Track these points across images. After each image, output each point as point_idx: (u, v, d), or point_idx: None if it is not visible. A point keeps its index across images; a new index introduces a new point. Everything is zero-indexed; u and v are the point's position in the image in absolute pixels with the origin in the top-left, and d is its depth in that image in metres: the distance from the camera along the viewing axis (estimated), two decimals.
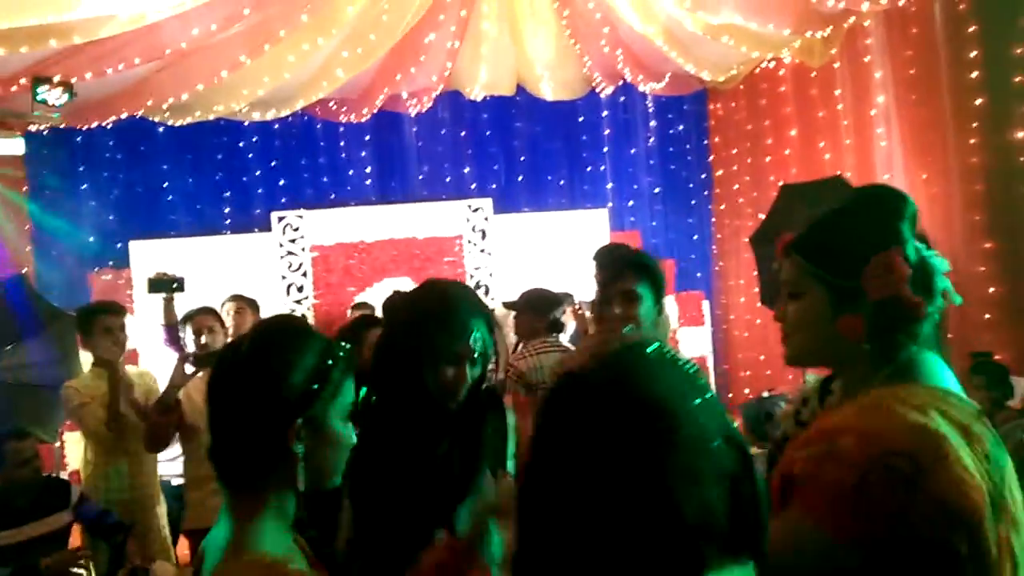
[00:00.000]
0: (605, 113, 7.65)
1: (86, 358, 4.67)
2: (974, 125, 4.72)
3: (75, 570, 3.07)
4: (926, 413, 1.14)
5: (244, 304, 4.38)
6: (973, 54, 4.72)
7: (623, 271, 1.90)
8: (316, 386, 1.19)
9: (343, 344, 1.28)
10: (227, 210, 6.98)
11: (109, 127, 6.33)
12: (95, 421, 3.56)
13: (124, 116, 6.11)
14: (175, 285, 4.34)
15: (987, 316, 4.64)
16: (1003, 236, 4.62)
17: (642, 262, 1.95)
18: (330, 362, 1.21)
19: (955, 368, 1.45)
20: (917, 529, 1.04)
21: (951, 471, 1.07)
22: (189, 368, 3.48)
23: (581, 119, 7.65)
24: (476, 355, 1.67)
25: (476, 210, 7.05)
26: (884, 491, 1.04)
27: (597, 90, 7.26)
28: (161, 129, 6.59)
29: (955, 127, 4.82)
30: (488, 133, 7.52)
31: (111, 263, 6.51)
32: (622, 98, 7.59)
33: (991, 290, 4.62)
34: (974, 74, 4.71)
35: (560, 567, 0.76)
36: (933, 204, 5.04)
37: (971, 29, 4.72)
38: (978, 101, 4.70)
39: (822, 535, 1.03)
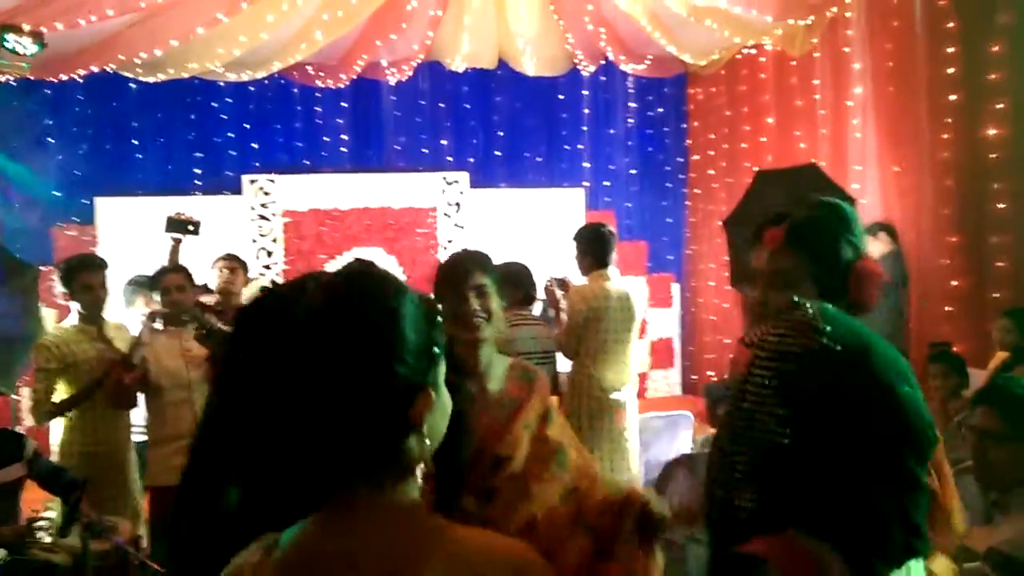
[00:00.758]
0: (586, 92, 7.64)
1: (47, 313, 4.59)
2: (948, 120, 4.79)
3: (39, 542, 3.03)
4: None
5: (237, 264, 4.35)
6: (950, 50, 4.77)
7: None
8: (436, 346, 0.94)
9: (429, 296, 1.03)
10: (197, 171, 6.85)
11: (80, 81, 6.17)
12: (44, 396, 3.43)
13: (95, 70, 5.96)
14: (191, 227, 4.29)
15: (948, 308, 4.73)
16: (969, 231, 4.70)
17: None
18: (440, 318, 0.97)
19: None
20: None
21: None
22: (158, 326, 3.44)
23: (561, 97, 7.64)
24: None
25: (452, 183, 7.01)
26: None
27: (579, 68, 7.24)
28: (133, 85, 6.44)
29: (929, 122, 4.89)
30: (468, 106, 7.47)
31: (75, 219, 6.38)
32: (603, 78, 7.57)
33: (953, 283, 4.71)
34: (950, 70, 4.77)
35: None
36: (903, 197, 5.12)
37: (950, 25, 4.77)
38: (953, 97, 4.76)
39: None
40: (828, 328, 0.98)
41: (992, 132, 4.61)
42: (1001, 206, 4.56)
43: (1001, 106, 4.57)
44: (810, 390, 0.95)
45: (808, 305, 1.03)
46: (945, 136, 4.80)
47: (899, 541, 0.92)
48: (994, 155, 4.60)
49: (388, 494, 0.91)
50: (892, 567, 0.93)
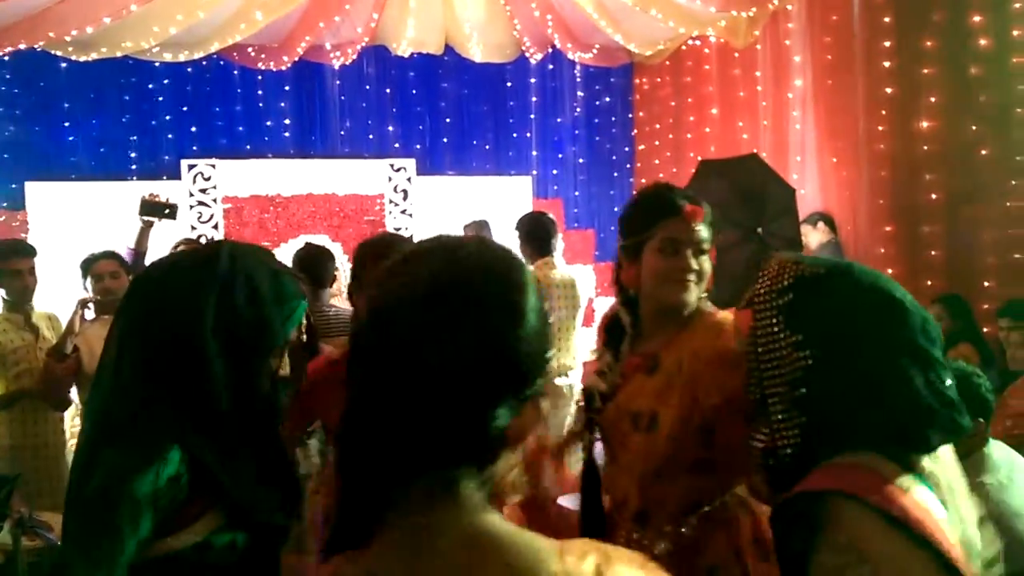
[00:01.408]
0: (533, 80, 7.62)
1: None
2: (883, 113, 4.92)
3: None
4: None
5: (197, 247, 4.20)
6: (887, 44, 4.90)
7: (397, 246, 2.10)
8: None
9: None
10: (133, 155, 6.62)
11: (7, 59, 5.90)
12: None
13: (22, 48, 5.69)
14: (168, 211, 4.11)
15: None
16: (903, 221, 4.86)
17: (405, 242, 2.22)
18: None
19: None
20: None
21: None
22: (89, 314, 3.33)
23: (509, 84, 7.61)
24: None
25: (399, 170, 6.94)
26: None
27: (526, 55, 7.22)
28: (63, 64, 6.18)
29: (866, 114, 5.02)
30: (414, 92, 7.38)
31: (4, 204, 6.11)
32: (551, 66, 7.57)
33: (889, 271, 4.85)
34: (886, 63, 4.90)
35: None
36: (841, 187, 5.25)
37: (886, 19, 4.90)
38: (888, 90, 4.89)
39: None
40: (807, 260, 1.11)
41: (925, 125, 4.76)
42: (933, 197, 4.72)
43: (934, 100, 4.72)
44: (811, 309, 1.05)
45: (779, 254, 1.15)
46: (880, 128, 4.94)
47: (941, 419, 0.98)
48: (927, 147, 4.75)
49: (476, 516, 0.77)
50: (940, 445, 1.00)
